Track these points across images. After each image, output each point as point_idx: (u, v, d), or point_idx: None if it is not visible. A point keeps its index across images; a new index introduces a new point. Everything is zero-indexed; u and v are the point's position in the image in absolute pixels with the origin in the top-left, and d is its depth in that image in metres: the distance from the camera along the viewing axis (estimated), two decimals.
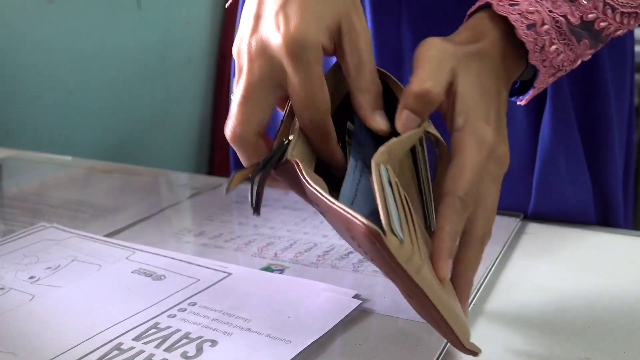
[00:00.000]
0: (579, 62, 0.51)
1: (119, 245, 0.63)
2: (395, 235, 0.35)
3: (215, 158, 1.86)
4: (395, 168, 0.41)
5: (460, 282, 0.43)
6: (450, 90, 0.43)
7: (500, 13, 0.47)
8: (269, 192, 0.79)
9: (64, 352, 0.45)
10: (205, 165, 1.86)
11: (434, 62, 0.42)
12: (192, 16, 1.72)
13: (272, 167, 0.43)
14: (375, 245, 0.35)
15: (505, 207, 0.70)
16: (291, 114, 0.45)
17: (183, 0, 1.69)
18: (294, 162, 0.41)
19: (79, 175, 0.92)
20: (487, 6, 0.48)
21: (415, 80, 0.42)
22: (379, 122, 0.44)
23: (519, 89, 0.53)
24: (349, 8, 0.43)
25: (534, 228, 0.67)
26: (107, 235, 0.66)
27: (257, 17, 0.44)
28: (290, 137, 0.43)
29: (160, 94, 1.67)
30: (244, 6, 0.47)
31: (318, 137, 0.44)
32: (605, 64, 0.68)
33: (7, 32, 1.30)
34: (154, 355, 0.44)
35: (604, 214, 0.72)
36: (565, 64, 0.50)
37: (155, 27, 1.60)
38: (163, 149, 1.71)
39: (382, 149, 0.39)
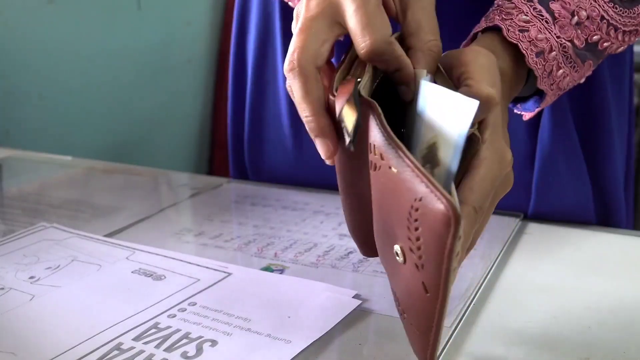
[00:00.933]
0: (582, 80, 0.52)
1: (119, 245, 0.63)
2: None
3: (215, 158, 1.86)
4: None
5: None
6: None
7: (512, 40, 0.47)
8: (269, 192, 0.79)
9: (64, 352, 0.45)
10: (205, 165, 1.87)
11: (489, 70, 0.42)
12: (192, 16, 1.72)
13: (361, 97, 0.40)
14: (447, 230, 0.32)
15: (505, 207, 0.70)
16: (352, 57, 0.43)
17: (183, 0, 1.69)
18: (372, 103, 0.39)
19: (79, 175, 0.92)
20: (496, 28, 0.49)
21: (484, 86, 0.41)
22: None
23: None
24: None
25: (534, 228, 0.67)
26: (107, 235, 0.66)
27: None
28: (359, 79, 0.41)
29: (160, 94, 1.67)
30: None
31: (383, 62, 0.42)
32: (603, 64, 0.68)
33: (7, 32, 1.30)
34: (154, 355, 0.44)
35: (604, 214, 0.72)
36: (570, 84, 0.51)
37: (155, 27, 1.60)
38: (163, 149, 1.71)
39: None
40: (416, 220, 0.34)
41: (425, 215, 0.33)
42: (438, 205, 0.32)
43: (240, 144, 0.89)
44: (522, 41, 0.47)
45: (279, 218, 0.70)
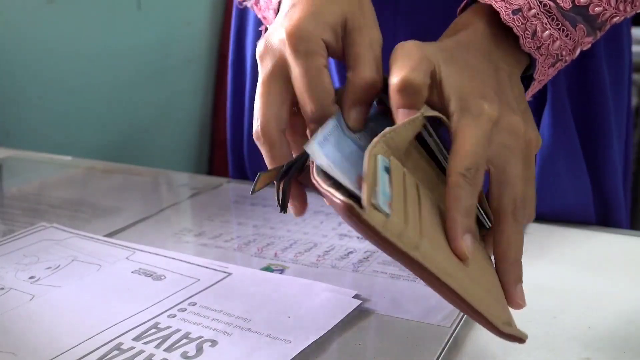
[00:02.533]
0: (578, 51, 0.50)
1: (119, 245, 0.63)
2: (378, 210, 0.35)
3: (215, 158, 1.86)
4: (401, 158, 0.40)
5: (503, 266, 0.43)
6: (436, 82, 0.43)
7: (484, 1, 0.46)
8: (269, 192, 0.79)
9: (64, 352, 0.45)
10: (205, 165, 1.86)
11: (407, 54, 0.43)
12: (192, 16, 1.72)
13: (297, 170, 0.43)
14: (354, 220, 0.35)
15: None
16: None
17: (183, 0, 1.69)
18: (310, 162, 0.41)
19: (79, 175, 0.92)
20: (474, 1, 0.48)
21: (394, 75, 0.42)
22: (351, 117, 0.44)
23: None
24: (353, 8, 0.45)
25: (533, 228, 0.67)
26: (107, 235, 0.66)
27: (275, 24, 0.46)
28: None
29: (160, 94, 1.67)
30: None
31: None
32: (603, 64, 0.68)
33: (7, 32, 1.30)
34: (154, 355, 0.44)
35: (603, 214, 0.72)
36: (563, 52, 0.49)
37: (155, 27, 1.60)
38: (163, 149, 1.70)
39: (375, 139, 0.38)
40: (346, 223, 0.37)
41: (342, 216, 0.36)
42: (338, 205, 0.35)
43: (240, 144, 0.89)
44: (495, 1, 0.46)
45: (279, 218, 0.70)
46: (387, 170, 0.37)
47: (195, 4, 1.74)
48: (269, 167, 0.46)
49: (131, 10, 1.53)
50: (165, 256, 0.60)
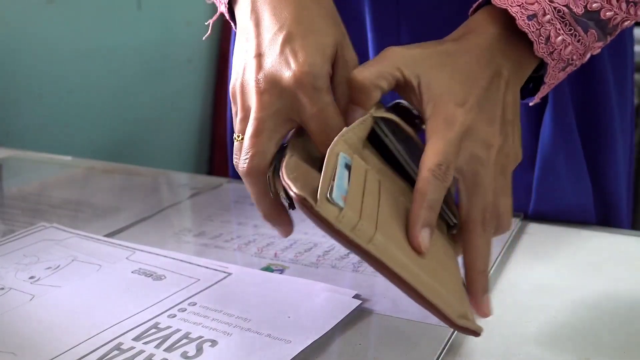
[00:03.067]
0: (588, 55, 0.50)
1: (119, 245, 0.63)
2: (332, 203, 0.36)
3: (215, 158, 1.86)
4: (363, 156, 0.42)
5: (470, 274, 0.44)
6: (412, 86, 0.44)
7: (499, 6, 0.46)
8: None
9: (64, 352, 0.45)
10: (205, 165, 1.86)
11: (380, 57, 0.44)
12: (192, 16, 1.72)
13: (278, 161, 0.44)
14: (307, 212, 0.36)
15: None
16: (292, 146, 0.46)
17: (183, 0, 1.69)
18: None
19: (79, 175, 0.92)
20: (487, 3, 0.48)
21: (353, 73, 0.43)
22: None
23: (532, 89, 0.53)
24: (341, 37, 0.46)
25: (534, 228, 0.67)
26: (107, 235, 0.66)
27: (259, 56, 0.45)
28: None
29: (160, 93, 1.67)
30: (236, 46, 0.49)
31: None
32: (606, 64, 0.68)
33: (7, 32, 1.30)
34: (154, 355, 0.44)
35: (604, 214, 0.72)
36: (574, 57, 0.49)
37: (155, 27, 1.60)
38: (163, 149, 1.71)
39: (336, 138, 0.40)
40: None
41: (299, 208, 0.37)
42: (294, 197, 0.37)
43: None
44: (511, 5, 0.46)
45: None
46: (348, 167, 0.39)
47: (195, 4, 1.74)
48: (257, 201, 0.47)
49: (131, 10, 1.53)
50: (165, 256, 0.60)
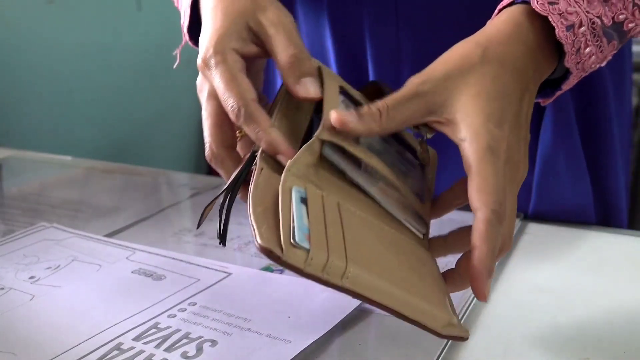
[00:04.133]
0: (604, 63, 0.50)
1: (119, 245, 0.63)
2: (297, 247, 0.35)
3: None
4: (316, 182, 0.41)
5: (473, 284, 0.41)
6: (446, 112, 0.42)
7: (541, 12, 0.45)
8: None
9: (64, 352, 0.45)
10: (205, 165, 1.86)
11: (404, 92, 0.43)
12: None
13: (231, 200, 0.43)
14: (278, 262, 0.35)
15: None
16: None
17: None
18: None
19: (79, 175, 0.92)
20: (522, 2, 0.46)
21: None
22: (302, 90, 0.44)
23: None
24: (251, 9, 0.47)
25: (534, 228, 0.67)
26: (107, 235, 0.66)
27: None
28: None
29: (160, 93, 1.67)
30: None
31: (251, 130, 0.44)
32: (604, 65, 0.68)
33: (7, 32, 1.30)
34: (154, 355, 0.44)
35: (604, 214, 0.72)
36: (593, 65, 0.49)
37: (155, 27, 1.60)
38: (163, 149, 1.71)
39: (282, 175, 0.39)
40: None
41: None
42: (258, 248, 0.36)
43: None
44: (552, 13, 0.45)
45: None
46: (304, 200, 0.38)
47: None
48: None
49: (131, 10, 1.53)
50: (165, 256, 0.60)
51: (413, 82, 0.43)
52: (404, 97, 0.42)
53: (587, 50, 0.47)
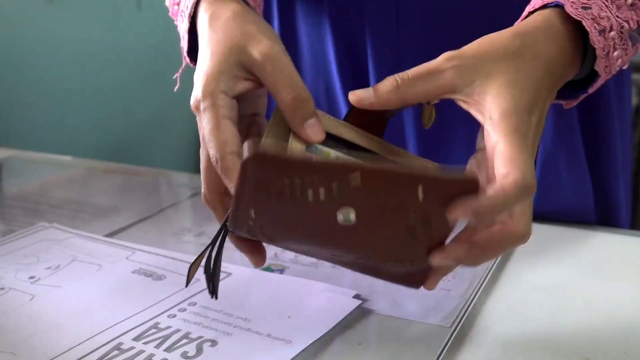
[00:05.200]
0: (626, 66, 0.50)
1: (119, 245, 0.63)
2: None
3: None
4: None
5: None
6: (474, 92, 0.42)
7: (575, 17, 0.45)
8: None
9: (64, 352, 0.45)
10: None
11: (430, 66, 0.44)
12: None
13: (219, 253, 0.45)
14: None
15: None
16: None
17: None
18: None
19: (79, 175, 0.92)
20: (554, 5, 0.46)
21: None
22: (309, 133, 0.44)
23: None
24: (242, 44, 0.45)
25: (534, 228, 0.67)
26: (107, 235, 0.66)
27: None
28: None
29: (160, 93, 1.67)
30: None
31: (227, 183, 0.44)
32: None
33: (7, 32, 1.30)
34: (154, 355, 0.44)
35: (604, 214, 0.72)
36: (616, 68, 0.49)
37: (155, 27, 1.60)
38: (163, 149, 1.70)
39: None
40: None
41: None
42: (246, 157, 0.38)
43: None
44: (585, 18, 0.45)
45: None
46: None
47: None
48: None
49: (131, 10, 1.53)
50: (165, 256, 0.60)
51: (442, 58, 0.43)
52: (427, 70, 0.43)
53: (616, 53, 0.47)
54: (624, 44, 0.47)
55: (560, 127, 0.67)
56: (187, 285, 0.47)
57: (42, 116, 1.38)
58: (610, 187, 0.72)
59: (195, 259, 0.46)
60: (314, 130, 0.44)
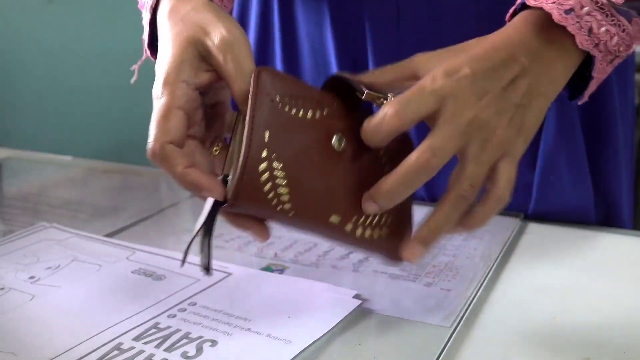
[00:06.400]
0: (634, 46, 0.50)
1: (119, 245, 0.63)
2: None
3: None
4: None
5: (423, 226, 0.45)
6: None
7: (534, 5, 0.46)
8: None
9: (64, 352, 0.45)
10: None
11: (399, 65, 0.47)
12: None
13: (210, 228, 0.47)
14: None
15: (506, 207, 0.70)
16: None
17: None
18: None
19: (79, 175, 0.92)
20: (524, 7, 0.48)
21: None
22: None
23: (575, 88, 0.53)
24: (198, 36, 0.46)
25: (534, 228, 0.67)
26: (107, 235, 0.66)
27: None
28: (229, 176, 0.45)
29: None
30: None
31: (168, 170, 0.45)
32: None
33: (7, 32, 1.31)
34: (154, 355, 0.44)
35: (605, 215, 0.72)
36: (621, 48, 0.49)
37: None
38: None
39: None
40: None
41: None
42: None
43: None
44: (545, 3, 0.46)
45: None
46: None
47: None
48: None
49: (131, 10, 1.53)
50: (165, 256, 0.60)
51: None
52: (399, 63, 0.47)
53: (603, 29, 0.47)
54: (613, 20, 0.47)
55: (561, 126, 0.67)
56: (182, 265, 0.47)
57: (42, 116, 1.38)
58: (611, 187, 0.72)
59: (190, 241, 0.46)
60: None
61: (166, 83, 0.45)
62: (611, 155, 0.70)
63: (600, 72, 0.49)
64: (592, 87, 0.51)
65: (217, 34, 0.46)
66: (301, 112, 0.45)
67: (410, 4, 0.66)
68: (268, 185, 0.43)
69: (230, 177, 0.44)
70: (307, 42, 0.72)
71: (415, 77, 0.45)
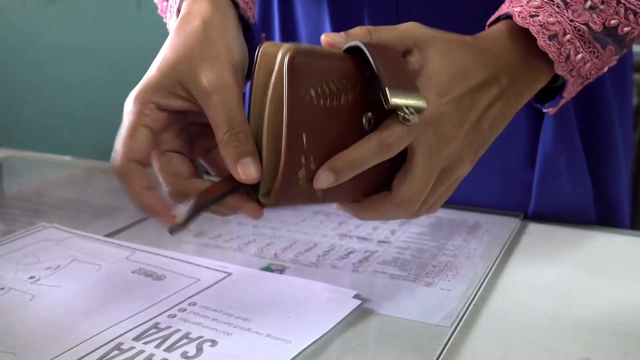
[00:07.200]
0: (605, 69, 0.51)
1: (119, 245, 0.63)
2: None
3: None
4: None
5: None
6: (416, 60, 0.46)
7: (522, 25, 0.47)
8: None
9: (64, 352, 0.45)
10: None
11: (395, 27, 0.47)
12: None
13: (213, 202, 0.47)
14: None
15: (505, 207, 0.70)
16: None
17: None
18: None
19: (79, 175, 0.92)
20: (508, 16, 0.49)
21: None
22: (242, 172, 0.43)
23: (543, 96, 0.54)
24: (187, 67, 0.45)
25: (534, 228, 0.67)
26: (107, 235, 0.66)
27: None
28: None
29: None
30: None
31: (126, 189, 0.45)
32: None
33: (7, 32, 1.31)
34: (154, 355, 0.44)
35: (605, 215, 0.72)
36: (592, 72, 0.50)
37: (155, 27, 1.60)
38: None
39: None
40: None
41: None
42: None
43: None
44: (532, 25, 0.47)
45: (279, 218, 0.70)
46: None
47: None
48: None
49: (131, 10, 1.53)
50: (165, 256, 0.60)
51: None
52: (394, 25, 0.47)
53: (579, 57, 0.48)
54: (589, 47, 0.48)
55: (560, 127, 0.67)
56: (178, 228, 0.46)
57: (42, 116, 1.38)
58: (610, 187, 0.72)
59: (196, 210, 0.47)
60: (246, 169, 0.43)
61: (136, 100, 0.45)
62: (610, 156, 0.70)
63: (570, 93, 0.51)
64: (561, 104, 0.53)
65: (211, 74, 0.44)
66: (335, 101, 0.42)
67: (410, 1, 0.66)
68: (304, 183, 0.42)
69: (262, 171, 0.43)
70: (306, 41, 0.72)
71: (408, 52, 0.46)
